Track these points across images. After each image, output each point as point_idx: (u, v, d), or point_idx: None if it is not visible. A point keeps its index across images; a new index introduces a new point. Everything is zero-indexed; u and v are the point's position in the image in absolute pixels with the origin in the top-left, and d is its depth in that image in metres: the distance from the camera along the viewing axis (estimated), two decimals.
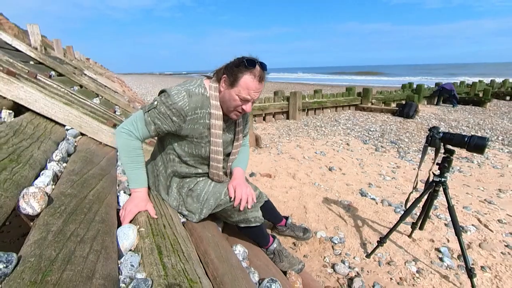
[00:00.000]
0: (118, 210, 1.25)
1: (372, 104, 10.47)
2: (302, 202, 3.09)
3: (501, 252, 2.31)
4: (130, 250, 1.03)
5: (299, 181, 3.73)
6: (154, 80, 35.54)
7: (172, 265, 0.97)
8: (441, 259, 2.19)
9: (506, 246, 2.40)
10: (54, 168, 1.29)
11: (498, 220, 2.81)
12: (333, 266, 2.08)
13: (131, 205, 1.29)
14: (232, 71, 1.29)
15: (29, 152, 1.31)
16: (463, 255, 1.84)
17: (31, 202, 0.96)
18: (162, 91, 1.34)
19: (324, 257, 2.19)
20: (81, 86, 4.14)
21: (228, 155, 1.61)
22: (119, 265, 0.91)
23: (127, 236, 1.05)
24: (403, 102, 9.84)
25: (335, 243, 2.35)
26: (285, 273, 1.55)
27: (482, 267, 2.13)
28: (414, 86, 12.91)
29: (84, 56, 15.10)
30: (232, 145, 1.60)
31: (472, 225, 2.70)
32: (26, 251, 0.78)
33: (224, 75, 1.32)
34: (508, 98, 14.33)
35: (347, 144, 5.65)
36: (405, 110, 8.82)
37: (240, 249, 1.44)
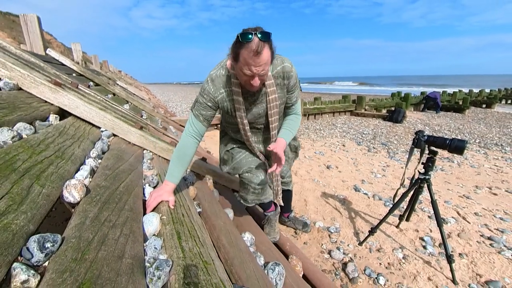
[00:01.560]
0: (143, 201, 1.25)
1: (365, 110, 10.39)
2: (303, 196, 3.08)
3: (477, 241, 2.27)
4: (154, 235, 1.04)
5: (300, 177, 3.72)
6: (174, 88, 35.97)
7: (189, 248, 0.97)
8: (424, 247, 2.15)
9: (481, 236, 2.35)
10: (91, 163, 1.31)
11: (475, 213, 2.76)
12: (329, 252, 2.07)
13: (156, 194, 1.29)
14: (233, 47, 1.13)
15: (71, 150, 1.33)
16: (443, 244, 1.81)
17: (72, 192, 0.98)
18: None
19: (322, 244, 2.17)
20: (114, 94, 4.20)
21: (267, 126, 1.48)
22: (145, 247, 0.92)
23: (151, 223, 1.05)
24: (393, 108, 9.73)
25: (332, 232, 2.34)
26: (287, 257, 1.54)
27: (460, 254, 2.10)
28: (402, 94, 12.78)
29: (116, 68, 15.33)
30: (265, 116, 1.44)
31: (452, 217, 2.66)
32: (68, 233, 0.79)
33: (229, 52, 1.19)
34: (484, 106, 14.24)
35: (343, 145, 5.60)
36: (394, 116, 8.75)
37: (248, 236, 1.44)
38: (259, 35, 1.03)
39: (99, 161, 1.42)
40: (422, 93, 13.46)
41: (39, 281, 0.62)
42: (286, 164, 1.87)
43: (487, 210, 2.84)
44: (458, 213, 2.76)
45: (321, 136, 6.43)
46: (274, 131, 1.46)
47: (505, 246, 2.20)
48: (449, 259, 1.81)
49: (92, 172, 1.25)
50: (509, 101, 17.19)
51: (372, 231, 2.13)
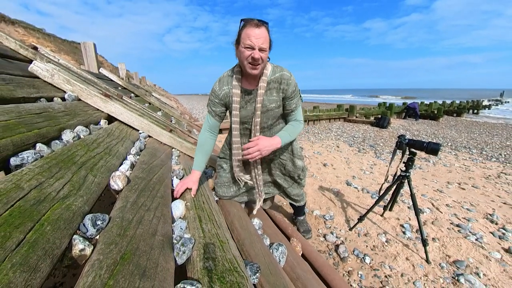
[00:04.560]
0: (172, 190, 1.25)
1: (356, 117, 10.21)
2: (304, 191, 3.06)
3: (447, 228, 2.20)
4: (180, 218, 1.05)
5: None
6: (198, 98, 37.00)
7: (209, 229, 0.98)
8: (404, 232, 2.10)
9: (451, 223, 2.28)
10: (131, 159, 1.33)
11: (446, 205, 2.67)
12: (324, 236, 2.05)
13: (182, 182, 1.27)
14: (238, 33, 1.09)
15: (116, 148, 1.37)
16: (420, 230, 1.76)
17: (117, 181, 1.00)
18: None
19: (318, 229, 2.15)
20: (150, 103, 4.27)
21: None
22: (173, 228, 0.93)
23: (178, 208, 1.07)
24: (379, 116, 9.54)
25: (327, 219, 2.31)
26: (289, 239, 1.53)
27: (433, 238, 2.03)
28: (387, 104, 12.50)
29: (152, 82, 15.61)
30: (252, 121, 1.28)
31: (428, 208, 2.58)
32: (113, 214, 0.81)
33: (235, 43, 1.14)
34: (455, 114, 14.06)
35: (337, 146, 5.52)
36: (381, 122, 8.56)
37: (256, 221, 1.44)
38: (257, 19, 1.05)
39: (138, 157, 1.45)
40: (403, 103, 13.13)
41: (92, 251, 0.65)
42: (290, 186, 1.64)
43: (456, 202, 2.74)
44: (432, 204, 2.68)
45: (319, 139, 6.35)
46: (257, 126, 1.28)
47: (470, 232, 2.14)
48: (424, 242, 1.76)
49: (132, 166, 1.28)
50: (475, 111, 16.85)
51: (360, 219, 2.09)
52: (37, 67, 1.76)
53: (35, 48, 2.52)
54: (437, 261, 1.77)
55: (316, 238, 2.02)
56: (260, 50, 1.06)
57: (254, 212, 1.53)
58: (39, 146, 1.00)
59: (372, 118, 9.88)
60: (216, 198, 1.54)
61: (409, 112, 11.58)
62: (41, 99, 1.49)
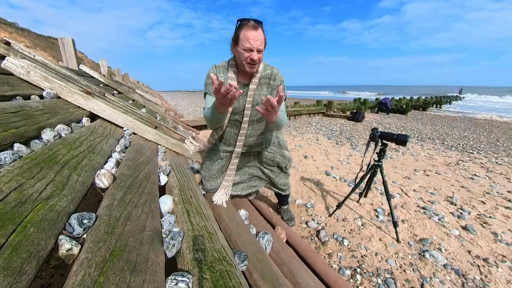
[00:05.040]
0: (159, 186, 1.22)
1: (334, 112, 10.44)
2: None
3: (414, 210, 2.34)
4: (168, 212, 1.03)
5: None
6: (182, 95, 34.51)
7: (197, 222, 0.97)
8: (377, 216, 2.20)
9: (418, 206, 2.43)
10: (116, 156, 1.28)
11: (413, 190, 2.83)
12: (306, 223, 2.09)
13: (220, 99, 1.00)
14: (234, 33, 1.10)
15: (100, 146, 1.31)
16: (391, 213, 1.86)
17: (102, 179, 0.96)
18: None
19: (301, 217, 2.20)
20: (133, 100, 4.08)
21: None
22: (161, 222, 0.91)
23: (166, 203, 1.04)
24: (355, 111, 9.85)
25: (308, 207, 2.36)
26: (274, 227, 1.55)
27: (402, 220, 2.16)
28: (362, 100, 12.91)
29: (135, 79, 14.89)
30: (243, 113, 1.29)
31: (397, 193, 2.72)
32: (100, 212, 0.78)
33: (231, 42, 1.14)
34: (421, 109, 14.77)
35: (317, 139, 5.63)
36: (356, 116, 8.81)
37: (243, 212, 1.45)
38: (253, 19, 1.07)
39: (123, 154, 1.39)
40: (376, 99, 13.64)
41: (80, 250, 0.62)
42: (276, 176, 1.66)
43: (422, 187, 2.92)
44: (402, 190, 2.83)
45: (300, 133, 6.45)
46: (246, 118, 1.29)
47: (433, 213, 2.29)
48: (395, 224, 1.86)
49: (117, 163, 1.23)
50: (438, 106, 17.84)
51: (339, 206, 2.16)
52: (11, 63, 1.62)
53: (8, 44, 2.30)
54: (406, 240, 1.89)
55: (299, 225, 2.07)
56: (258, 51, 1.09)
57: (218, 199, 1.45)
58: (17, 146, 0.93)
59: (348, 113, 10.18)
60: (204, 192, 1.53)
61: (381, 107, 12.01)
62: (17, 97, 1.38)
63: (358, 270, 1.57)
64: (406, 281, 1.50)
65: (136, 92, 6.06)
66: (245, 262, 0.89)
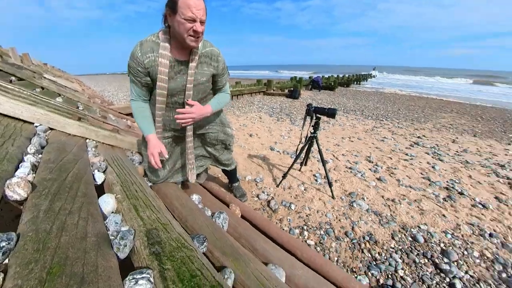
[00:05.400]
0: (95, 185, 1.07)
1: (273, 90, 10.81)
2: (235, 159, 3.14)
3: (344, 171, 2.77)
4: (112, 212, 0.93)
5: None
6: (108, 78, 28.59)
7: (148, 216, 0.92)
8: (316, 180, 2.52)
9: (346, 167, 2.88)
10: (31, 159, 1.05)
11: (342, 154, 3.33)
12: (257, 196, 2.21)
13: (151, 150, 1.14)
14: (170, 0, 0.93)
15: (4, 149, 1.04)
16: (326, 176, 2.15)
17: (16, 190, 0.78)
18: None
19: (252, 191, 2.30)
20: (42, 88, 3.26)
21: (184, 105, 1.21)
22: (106, 224, 0.82)
23: (107, 203, 0.94)
24: (292, 88, 10.41)
25: (258, 182, 2.48)
26: (228, 205, 1.58)
27: (335, 180, 2.53)
28: (298, 78, 13.73)
29: (41, 61, 11.81)
30: (184, 93, 1.16)
31: (330, 158, 3.15)
32: (22, 228, 0.65)
33: (166, 9, 0.97)
34: (345, 86, 16.80)
35: (260, 118, 5.80)
36: (293, 94, 9.35)
37: (195, 197, 1.42)
38: None
39: (40, 156, 1.15)
40: (309, 77, 14.75)
41: (4, 278, 0.51)
42: (220, 154, 1.65)
43: (349, 152, 3.46)
44: (333, 155, 3.29)
45: (243, 112, 6.51)
46: (189, 99, 1.20)
47: (358, 171, 2.77)
48: (330, 184, 2.17)
49: (34, 167, 1.01)
50: (358, 83, 20.79)
51: (284, 176, 2.34)
52: None
53: None
54: (339, 195, 2.25)
55: (251, 199, 2.18)
56: (201, 22, 0.95)
57: (192, 180, 1.45)
58: None
59: (286, 91, 10.73)
60: (150, 184, 1.42)
61: (314, 84, 13.10)
62: None
63: (305, 227, 1.80)
64: (342, 227, 1.82)
65: (45, 78, 4.84)
66: (204, 243, 0.91)
